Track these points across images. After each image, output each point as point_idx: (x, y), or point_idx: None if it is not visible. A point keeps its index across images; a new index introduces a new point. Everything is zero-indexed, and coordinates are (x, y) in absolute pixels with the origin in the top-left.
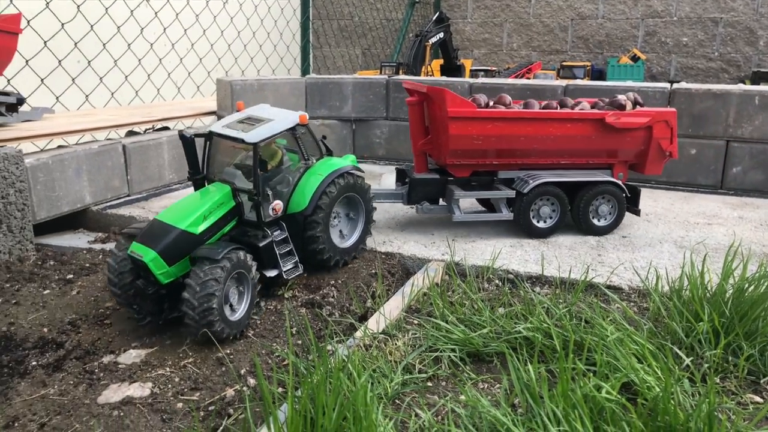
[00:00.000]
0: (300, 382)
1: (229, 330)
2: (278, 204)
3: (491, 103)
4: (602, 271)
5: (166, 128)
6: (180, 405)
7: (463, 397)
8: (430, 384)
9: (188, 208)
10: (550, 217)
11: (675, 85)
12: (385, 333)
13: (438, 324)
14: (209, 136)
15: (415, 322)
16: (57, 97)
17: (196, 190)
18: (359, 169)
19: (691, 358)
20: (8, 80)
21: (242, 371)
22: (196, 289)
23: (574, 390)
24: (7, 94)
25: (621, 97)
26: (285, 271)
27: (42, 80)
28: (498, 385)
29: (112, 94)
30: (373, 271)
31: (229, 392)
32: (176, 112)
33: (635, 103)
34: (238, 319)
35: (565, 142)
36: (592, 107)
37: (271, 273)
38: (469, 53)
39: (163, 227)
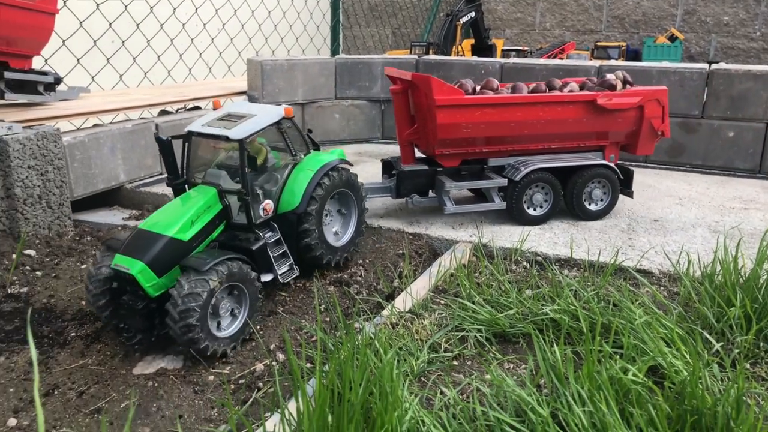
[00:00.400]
0: (328, 358)
1: (216, 347)
2: (269, 204)
3: (478, 88)
4: (632, 254)
5: (197, 108)
6: (211, 378)
7: (488, 377)
8: (455, 363)
9: (174, 215)
10: (543, 204)
11: (714, 66)
12: (412, 312)
13: (464, 304)
14: (188, 136)
15: (442, 302)
16: (92, 77)
17: (176, 196)
18: (348, 163)
19: (721, 344)
20: (45, 60)
21: (272, 347)
22: (177, 302)
23: (599, 372)
24: (44, 73)
25: (610, 77)
26: (280, 275)
27: (78, 60)
28: (523, 366)
29: (146, 73)
30: (401, 252)
31: (259, 366)
32: (207, 91)
33: (625, 82)
34: (231, 335)
35: (556, 125)
36: (581, 88)
37: (266, 277)
38: (501, 33)
39: (148, 236)
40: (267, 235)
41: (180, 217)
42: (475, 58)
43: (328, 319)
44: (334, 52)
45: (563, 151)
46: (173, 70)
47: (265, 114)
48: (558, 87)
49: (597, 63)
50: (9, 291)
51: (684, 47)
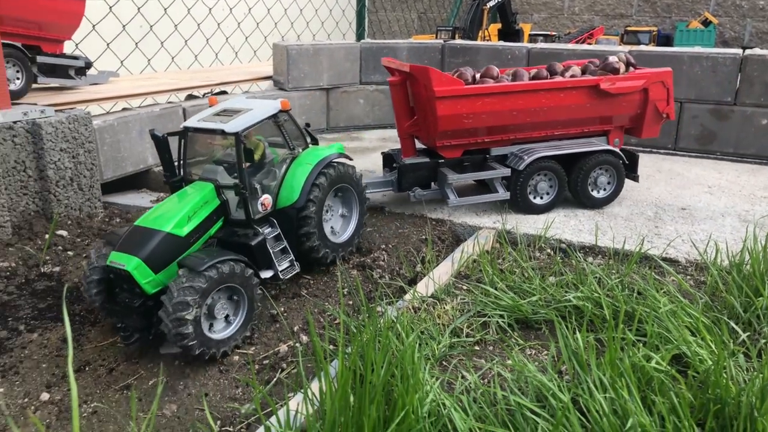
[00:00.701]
0: (350, 340)
1: (206, 348)
2: (267, 198)
3: (478, 76)
4: (658, 242)
5: (224, 92)
6: (236, 358)
7: (509, 362)
8: (477, 348)
9: (170, 211)
10: (548, 193)
11: (748, 51)
12: (434, 297)
13: (487, 290)
14: (184, 132)
15: (464, 287)
16: (121, 61)
17: (173, 194)
18: (348, 157)
19: (748, 334)
20: (76, 44)
21: (295, 328)
22: (173, 295)
23: (622, 359)
24: (75, 57)
25: (613, 59)
26: (281, 271)
27: (107, 44)
28: (545, 352)
29: (173, 58)
30: (423, 237)
31: (283, 348)
32: (234, 76)
33: (628, 64)
34: (224, 338)
35: (559, 112)
36: (583, 72)
37: (266, 274)
38: (529, 17)
39: (144, 232)
40: (266, 231)
41: (177, 212)
42: (501, 43)
43: (351, 302)
44: (360, 36)
45: (566, 138)
46: (200, 54)
47: (262, 108)
48: (560, 72)
49: (626, 48)
50: (42, 270)
51: (718, 32)
